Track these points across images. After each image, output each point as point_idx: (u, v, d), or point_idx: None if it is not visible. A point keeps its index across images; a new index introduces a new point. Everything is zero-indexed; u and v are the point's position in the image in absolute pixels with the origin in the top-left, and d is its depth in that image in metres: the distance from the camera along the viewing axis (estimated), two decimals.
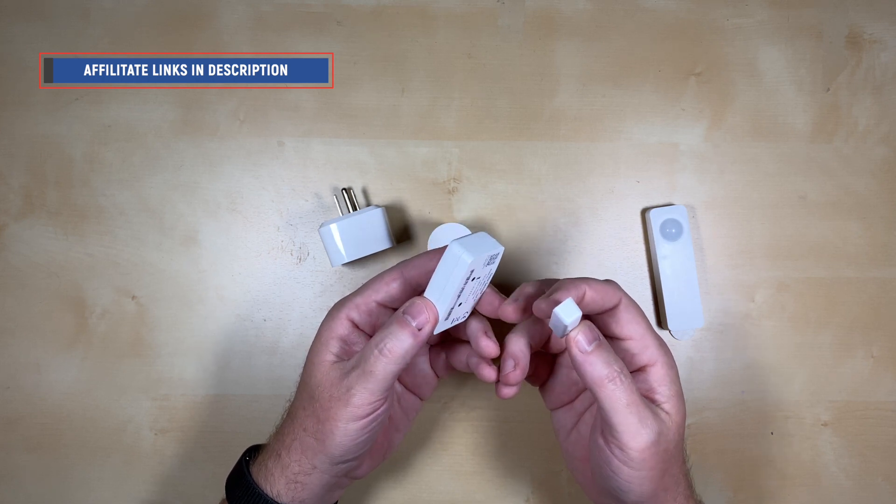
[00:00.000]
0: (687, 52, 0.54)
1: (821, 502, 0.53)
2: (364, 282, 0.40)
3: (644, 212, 0.53)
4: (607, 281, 0.38)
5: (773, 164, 0.53)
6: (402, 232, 0.53)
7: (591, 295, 0.36)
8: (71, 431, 0.53)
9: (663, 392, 0.37)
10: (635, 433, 0.34)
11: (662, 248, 0.51)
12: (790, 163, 0.53)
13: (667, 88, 0.53)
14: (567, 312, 0.34)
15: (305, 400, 0.39)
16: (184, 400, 0.53)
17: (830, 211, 0.53)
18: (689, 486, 0.39)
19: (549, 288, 0.37)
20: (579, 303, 0.36)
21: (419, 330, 0.36)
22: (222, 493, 0.41)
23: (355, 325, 0.39)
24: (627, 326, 0.37)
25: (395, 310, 0.38)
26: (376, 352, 0.36)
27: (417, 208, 0.53)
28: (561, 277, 0.51)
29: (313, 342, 0.39)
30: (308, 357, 0.39)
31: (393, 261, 0.53)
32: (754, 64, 0.54)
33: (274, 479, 0.38)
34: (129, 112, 0.53)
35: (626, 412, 0.34)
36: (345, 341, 0.39)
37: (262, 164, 0.53)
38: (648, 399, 0.37)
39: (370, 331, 0.40)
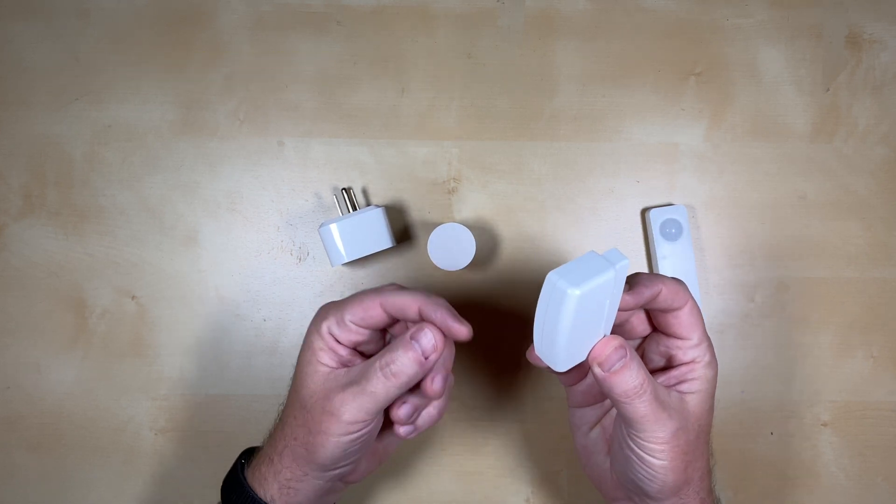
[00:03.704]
0: (687, 52, 0.54)
1: (821, 502, 0.53)
2: (362, 283, 0.40)
3: (644, 212, 0.53)
4: (676, 280, 0.38)
5: (773, 164, 0.53)
6: (402, 232, 0.53)
7: (665, 294, 0.37)
8: (71, 431, 0.53)
9: (693, 387, 0.38)
10: (655, 429, 0.35)
11: (662, 248, 0.51)
12: (790, 163, 0.53)
13: (667, 88, 0.53)
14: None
15: (297, 409, 0.38)
16: (184, 400, 0.53)
17: (830, 211, 0.53)
18: (711, 483, 0.40)
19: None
20: (652, 299, 0.37)
21: (426, 358, 0.37)
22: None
23: (337, 340, 0.39)
24: (688, 329, 0.38)
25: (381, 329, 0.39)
26: (380, 374, 0.36)
27: (417, 208, 0.53)
28: None
29: (303, 349, 0.39)
30: (299, 365, 0.39)
31: (393, 260, 0.53)
32: (754, 64, 0.54)
33: (268, 484, 0.38)
34: (129, 112, 0.53)
35: (646, 419, 0.35)
36: (331, 351, 0.38)
37: (262, 164, 0.53)
38: (676, 389, 0.38)
39: (351, 345, 0.39)
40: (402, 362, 0.36)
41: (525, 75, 0.54)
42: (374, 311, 0.38)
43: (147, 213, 0.53)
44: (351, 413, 0.36)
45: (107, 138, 0.53)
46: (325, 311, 0.39)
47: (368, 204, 0.53)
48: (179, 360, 0.53)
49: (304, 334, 0.52)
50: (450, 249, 0.49)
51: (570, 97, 0.53)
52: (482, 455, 0.53)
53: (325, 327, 0.38)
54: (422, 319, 0.38)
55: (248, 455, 0.42)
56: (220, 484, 0.41)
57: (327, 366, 0.38)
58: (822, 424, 0.53)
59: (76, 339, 0.53)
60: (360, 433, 0.37)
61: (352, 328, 0.38)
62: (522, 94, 0.54)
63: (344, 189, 0.51)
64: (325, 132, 0.53)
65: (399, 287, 0.40)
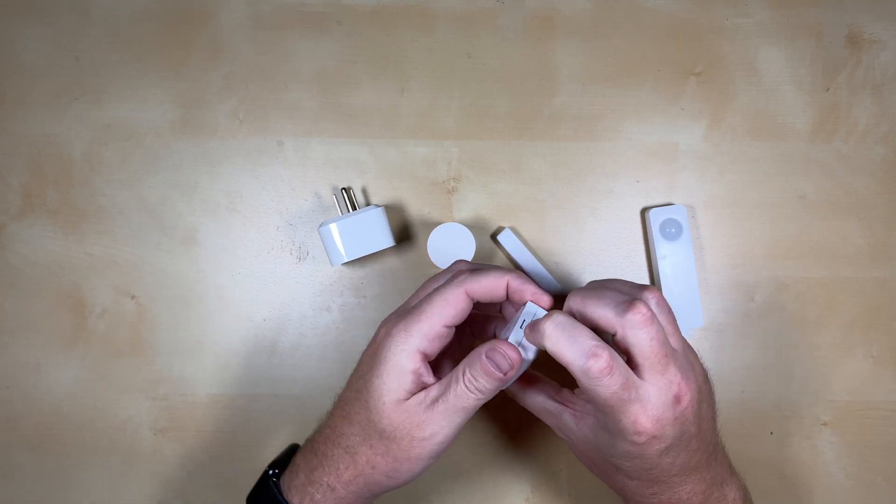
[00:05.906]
0: (687, 52, 0.54)
1: (821, 502, 0.53)
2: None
3: (644, 211, 0.53)
4: (645, 286, 0.38)
5: (773, 163, 0.53)
6: (402, 231, 0.53)
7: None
8: (70, 431, 0.53)
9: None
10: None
11: (662, 248, 0.51)
12: (790, 163, 0.53)
13: (666, 88, 0.53)
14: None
15: (374, 439, 0.37)
16: (183, 400, 0.53)
17: (830, 211, 0.53)
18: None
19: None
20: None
21: (504, 375, 0.36)
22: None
23: (425, 356, 0.37)
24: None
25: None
26: (470, 393, 0.36)
27: (417, 208, 0.53)
28: (560, 278, 0.51)
29: (375, 377, 0.37)
30: (373, 394, 0.37)
31: (393, 260, 0.53)
32: (754, 64, 0.54)
33: None
34: (129, 112, 0.53)
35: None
36: (416, 374, 0.37)
37: (262, 163, 0.53)
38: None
39: (434, 355, 0.38)
40: (488, 387, 0.36)
41: (525, 75, 0.54)
42: (463, 305, 0.37)
43: (146, 212, 0.53)
44: (446, 434, 0.37)
45: (106, 138, 0.53)
46: (407, 333, 0.37)
47: (368, 203, 0.53)
48: (179, 360, 0.53)
49: (303, 334, 0.53)
50: (450, 249, 0.50)
51: (570, 97, 0.53)
52: (482, 455, 0.53)
53: (413, 348, 0.36)
54: (507, 299, 0.38)
55: (277, 472, 0.41)
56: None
57: (409, 393, 0.37)
58: (822, 424, 0.53)
59: (75, 338, 0.53)
60: (446, 446, 0.37)
61: (444, 332, 0.37)
62: (522, 93, 0.54)
63: (343, 188, 0.51)
64: (324, 132, 0.53)
65: (467, 271, 0.38)
